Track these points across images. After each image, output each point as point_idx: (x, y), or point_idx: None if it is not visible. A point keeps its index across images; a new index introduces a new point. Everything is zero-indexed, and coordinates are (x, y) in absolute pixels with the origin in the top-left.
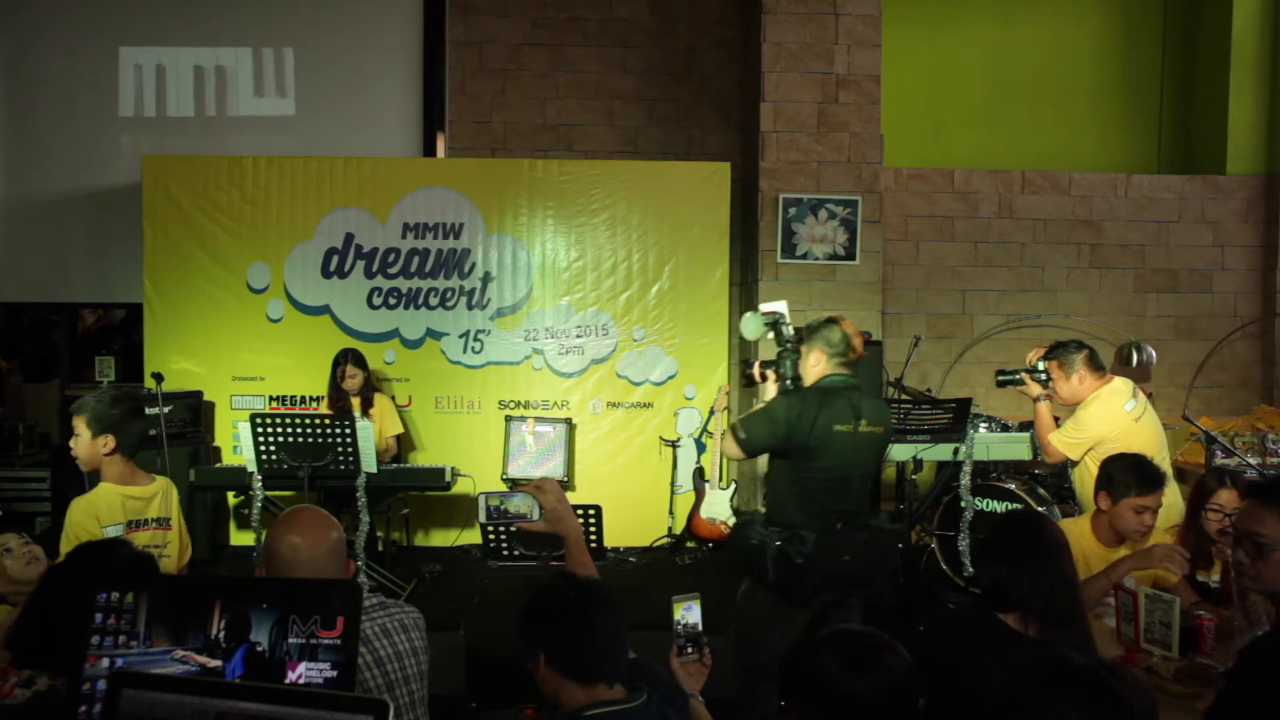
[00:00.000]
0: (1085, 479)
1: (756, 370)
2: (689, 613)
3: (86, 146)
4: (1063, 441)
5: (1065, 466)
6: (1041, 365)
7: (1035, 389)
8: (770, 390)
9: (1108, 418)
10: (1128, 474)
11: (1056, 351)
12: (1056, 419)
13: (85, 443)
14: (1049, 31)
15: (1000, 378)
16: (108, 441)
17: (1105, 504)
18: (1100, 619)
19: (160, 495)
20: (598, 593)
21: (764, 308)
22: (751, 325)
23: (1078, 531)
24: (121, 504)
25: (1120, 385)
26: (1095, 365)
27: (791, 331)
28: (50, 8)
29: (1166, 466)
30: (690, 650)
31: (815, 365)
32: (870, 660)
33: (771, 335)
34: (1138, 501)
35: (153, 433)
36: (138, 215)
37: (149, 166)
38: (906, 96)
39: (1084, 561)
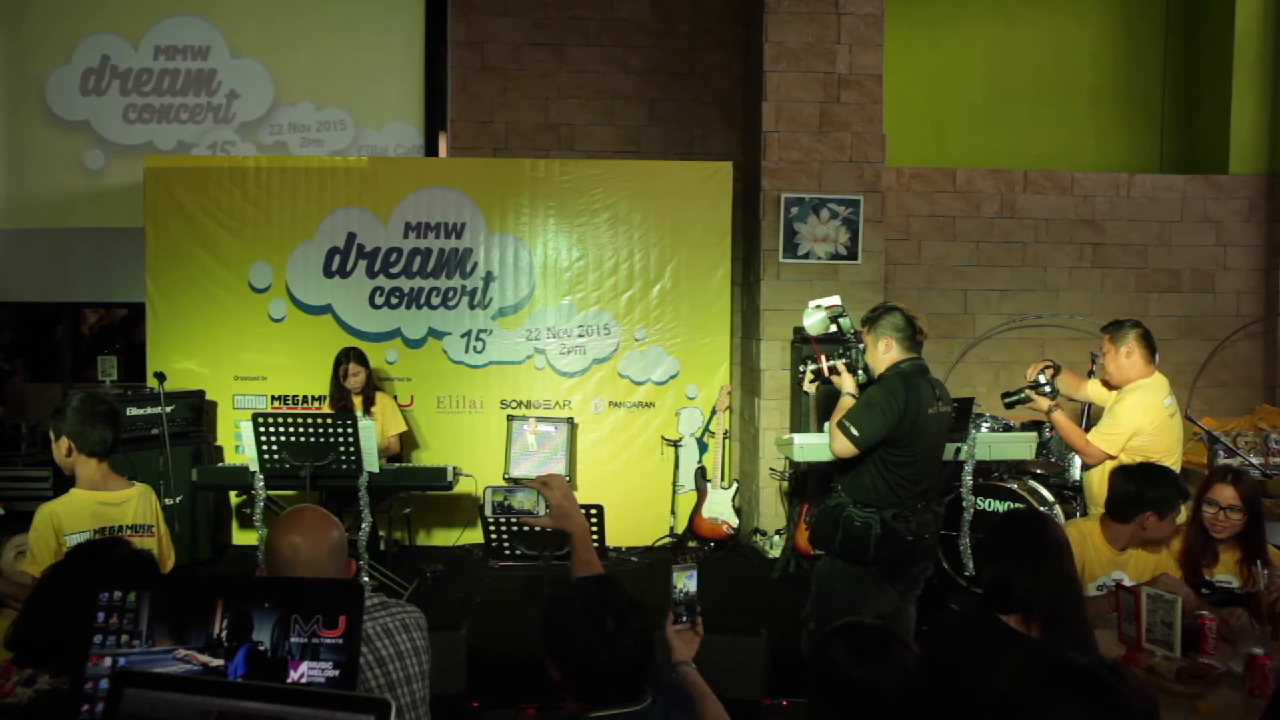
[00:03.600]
0: (1093, 479)
1: (826, 366)
2: (689, 581)
3: (87, 146)
4: (1103, 438)
5: (1067, 467)
6: (1044, 379)
7: (1044, 403)
8: (848, 384)
9: (1147, 407)
10: (1166, 490)
11: (1112, 326)
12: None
13: (55, 446)
14: (1050, 30)
15: (1007, 400)
16: (68, 445)
17: (1152, 524)
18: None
19: (136, 501)
20: (629, 624)
21: (823, 302)
22: (816, 321)
23: (1085, 531)
24: (92, 510)
25: (1160, 380)
26: (1148, 345)
27: (850, 324)
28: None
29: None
30: (685, 619)
31: (886, 352)
32: (882, 652)
33: (835, 329)
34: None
35: (124, 436)
36: (139, 215)
37: (151, 167)
38: (908, 96)
39: (1087, 563)
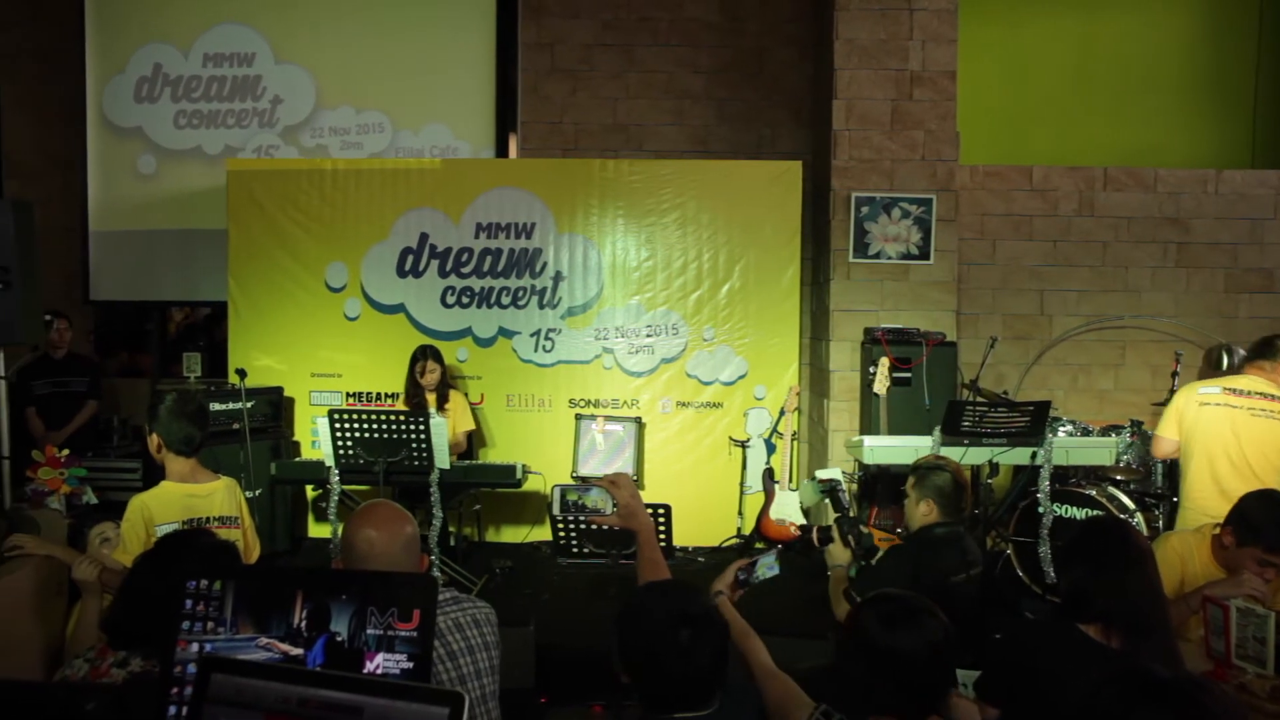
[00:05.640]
0: (1184, 470)
1: (817, 536)
2: (770, 570)
3: (141, 152)
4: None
5: (1151, 473)
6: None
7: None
8: (840, 556)
9: (1182, 392)
10: (1266, 525)
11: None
12: None
13: (149, 441)
14: (1136, 21)
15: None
16: (158, 441)
17: (1229, 541)
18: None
19: (222, 493)
20: (705, 636)
21: (821, 474)
22: (808, 492)
23: (1195, 544)
24: (181, 502)
25: (1215, 380)
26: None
27: (848, 498)
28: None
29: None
30: (740, 583)
31: (926, 515)
32: (910, 620)
33: (829, 502)
34: (1264, 556)
35: (204, 431)
36: (223, 217)
37: (234, 170)
38: (983, 92)
39: (1192, 578)
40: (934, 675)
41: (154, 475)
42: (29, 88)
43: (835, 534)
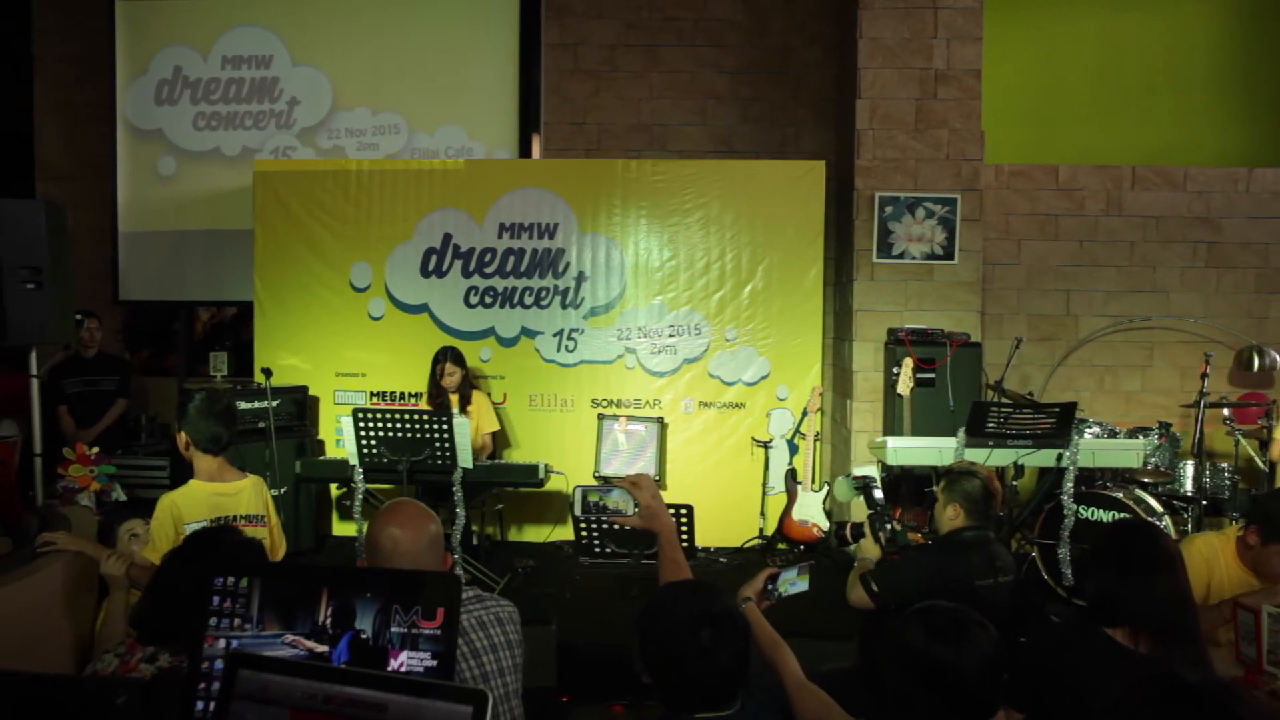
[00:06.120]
0: None
1: (850, 531)
2: (793, 587)
3: (194, 155)
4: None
5: (1179, 476)
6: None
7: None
8: (871, 550)
9: None
10: None
11: None
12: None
13: (177, 439)
14: (1164, 18)
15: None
16: (187, 440)
17: (1254, 540)
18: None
19: (249, 491)
20: (727, 637)
21: (856, 471)
22: (843, 489)
23: (1220, 545)
24: (208, 500)
25: None
26: None
27: (882, 495)
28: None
29: None
30: (768, 594)
31: (953, 519)
32: (959, 633)
33: (861, 499)
34: None
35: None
36: (249, 218)
37: (260, 172)
38: (1009, 90)
39: (1219, 580)
40: (983, 689)
41: (182, 473)
42: (61, 92)
43: (867, 530)
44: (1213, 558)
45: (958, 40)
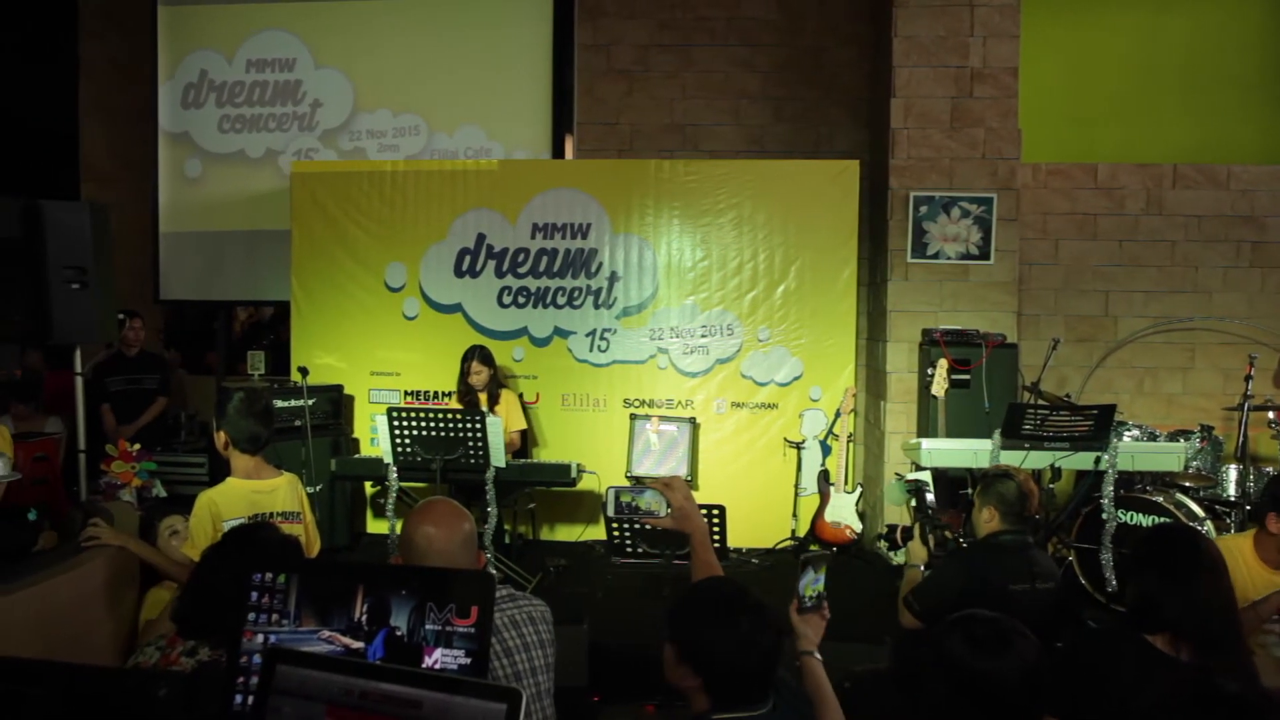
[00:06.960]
0: None
1: (900, 534)
2: (816, 584)
3: (220, 157)
4: None
5: (1222, 481)
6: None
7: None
8: (918, 554)
9: None
10: None
11: None
12: None
13: (216, 437)
14: (1206, 13)
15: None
16: (225, 439)
17: (1275, 527)
18: (1264, 648)
19: (285, 489)
20: (762, 624)
21: (908, 475)
22: (894, 492)
23: (1237, 549)
24: (246, 498)
25: None
26: None
27: (934, 499)
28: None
29: None
30: (810, 606)
31: (988, 522)
32: (1001, 643)
33: (914, 502)
34: None
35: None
36: (285, 219)
37: (297, 173)
38: (1046, 88)
39: (1241, 583)
40: (1025, 700)
41: (220, 470)
42: (105, 95)
43: (916, 533)
44: (1232, 561)
45: (994, 38)
